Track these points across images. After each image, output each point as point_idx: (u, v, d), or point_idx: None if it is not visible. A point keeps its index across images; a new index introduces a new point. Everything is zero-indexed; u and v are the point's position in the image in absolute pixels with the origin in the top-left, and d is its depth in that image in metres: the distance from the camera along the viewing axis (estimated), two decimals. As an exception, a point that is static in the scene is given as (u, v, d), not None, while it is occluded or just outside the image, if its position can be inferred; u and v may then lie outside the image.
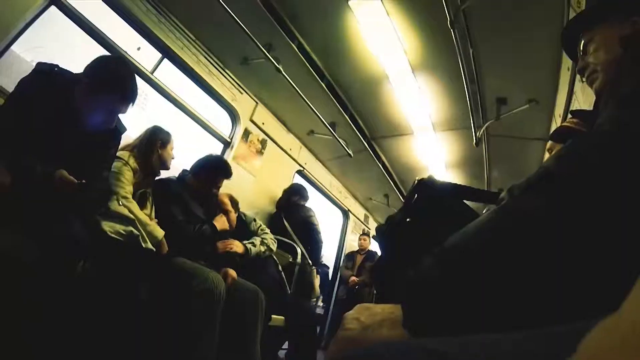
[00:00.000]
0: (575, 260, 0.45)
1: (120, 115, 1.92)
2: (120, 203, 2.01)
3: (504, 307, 0.48)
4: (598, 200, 0.46)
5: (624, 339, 0.19)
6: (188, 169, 2.78)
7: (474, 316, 0.49)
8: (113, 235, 1.89)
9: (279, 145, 4.50)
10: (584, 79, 0.94)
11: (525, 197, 0.52)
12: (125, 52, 2.83)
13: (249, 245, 2.82)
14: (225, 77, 3.67)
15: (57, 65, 1.76)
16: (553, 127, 3.16)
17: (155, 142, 2.37)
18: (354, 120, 4.33)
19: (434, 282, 0.53)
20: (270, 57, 3.25)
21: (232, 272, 2.39)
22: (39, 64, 1.73)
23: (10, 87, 1.93)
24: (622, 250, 0.37)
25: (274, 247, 3.08)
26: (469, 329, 0.40)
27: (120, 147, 2.11)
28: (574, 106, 2.72)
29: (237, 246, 2.71)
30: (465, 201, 0.93)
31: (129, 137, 2.30)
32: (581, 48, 0.93)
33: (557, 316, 0.38)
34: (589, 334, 0.21)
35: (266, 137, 4.29)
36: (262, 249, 2.94)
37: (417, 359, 0.35)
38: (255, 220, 3.20)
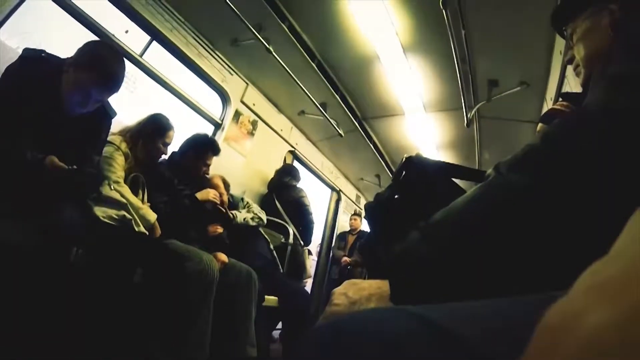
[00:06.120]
0: (557, 235, 0.47)
1: (110, 99, 1.90)
2: (112, 187, 2.00)
3: (488, 279, 0.50)
4: (582, 177, 0.47)
5: (623, 271, 0.18)
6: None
7: (459, 288, 0.50)
8: (106, 220, 1.89)
9: (269, 126, 4.46)
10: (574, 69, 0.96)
11: (512, 173, 0.53)
12: (113, 36, 2.77)
13: (234, 212, 2.89)
14: (215, 58, 3.62)
15: (43, 51, 1.74)
16: (544, 110, 3.17)
17: (142, 132, 2.34)
18: (344, 101, 4.30)
19: (420, 256, 0.54)
20: (261, 38, 3.20)
21: (223, 256, 2.42)
22: (26, 50, 1.70)
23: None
24: (605, 226, 0.39)
25: (263, 217, 3.12)
26: (454, 300, 0.41)
27: (117, 131, 2.10)
28: (566, 90, 2.71)
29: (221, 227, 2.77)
30: (453, 179, 0.93)
31: (120, 121, 2.27)
32: (569, 37, 0.95)
33: (539, 287, 0.39)
34: (580, 277, 0.20)
35: (257, 118, 4.26)
36: (249, 215, 2.99)
37: (399, 320, 0.37)
38: (242, 199, 3.22)
